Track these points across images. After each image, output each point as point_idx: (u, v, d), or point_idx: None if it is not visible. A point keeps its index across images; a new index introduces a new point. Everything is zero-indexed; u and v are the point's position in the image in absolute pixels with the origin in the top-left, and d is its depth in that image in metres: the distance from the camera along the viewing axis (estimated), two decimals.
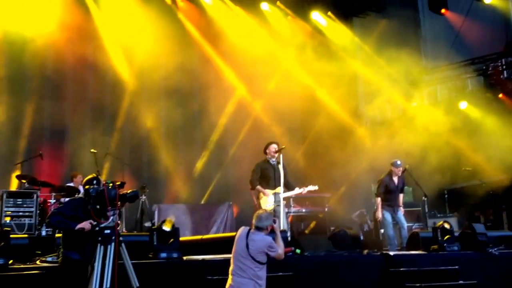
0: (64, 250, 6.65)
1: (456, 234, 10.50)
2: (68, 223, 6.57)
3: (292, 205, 12.26)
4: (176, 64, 14.49)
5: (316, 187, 10.42)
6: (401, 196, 11.70)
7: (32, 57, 13.38)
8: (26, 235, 9.44)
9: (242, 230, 7.06)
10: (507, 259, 10.04)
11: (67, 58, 13.45)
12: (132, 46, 14.33)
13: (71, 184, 12.09)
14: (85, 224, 6.49)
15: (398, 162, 11.56)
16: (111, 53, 14.38)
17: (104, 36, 14.39)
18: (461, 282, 9.24)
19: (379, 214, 11.41)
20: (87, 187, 6.74)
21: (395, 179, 11.57)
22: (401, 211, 11.53)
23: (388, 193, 11.47)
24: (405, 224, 11.51)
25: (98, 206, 6.52)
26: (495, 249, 10.12)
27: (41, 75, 13.41)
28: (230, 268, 6.89)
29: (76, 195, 10.53)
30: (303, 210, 12.67)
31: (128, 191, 6.76)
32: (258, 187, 10.21)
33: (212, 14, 16.11)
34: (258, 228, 6.94)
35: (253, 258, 6.74)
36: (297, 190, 10.29)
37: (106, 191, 6.52)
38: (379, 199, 11.45)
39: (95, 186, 6.67)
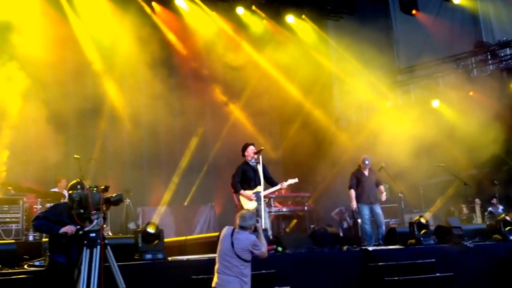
0: (50, 254, 6.72)
1: (432, 228, 10.80)
2: (52, 226, 6.64)
3: (273, 205, 12.42)
4: (154, 68, 14.63)
5: (295, 180, 10.52)
6: (381, 188, 11.89)
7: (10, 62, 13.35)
8: (13, 241, 9.47)
9: (227, 229, 7.22)
10: (481, 251, 10.36)
11: (46, 64, 13.38)
12: (111, 51, 14.38)
13: (56, 190, 12.18)
14: (69, 228, 6.57)
15: (366, 161, 11.83)
16: (91, 58, 14.44)
17: (83, 42, 14.45)
18: (438, 274, 9.50)
19: (354, 205, 11.65)
20: (70, 192, 6.87)
21: (365, 172, 11.86)
22: (379, 208, 11.73)
23: (362, 186, 11.71)
24: (383, 223, 11.73)
25: (82, 211, 6.63)
26: (470, 241, 10.45)
27: (22, 84, 13.36)
28: (216, 267, 7.02)
29: (62, 200, 10.65)
30: (284, 209, 12.84)
31: (113, 195, 6.90)
32: (242, 191, 10.25)
33: (188, 19, 16.25)
34: (242, 228, 7.11)
35: (238, 256, 6.90)
36: (278, 186, 10.40)
37: (89, 196, 6.67)
38: (352, 191, 11.70)
39: (79, 191, 6.81)
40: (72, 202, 6.67)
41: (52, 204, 6.88)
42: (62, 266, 6.65)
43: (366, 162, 11.82)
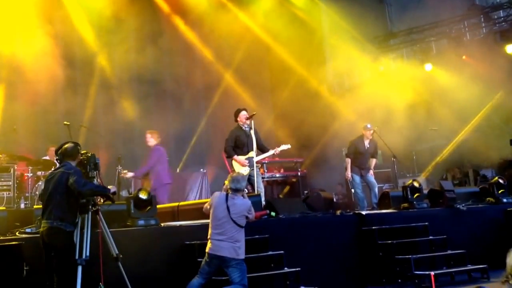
0: (72, 222, 6.48)
1: (425, 192, 10.80)
2: (103, 187, 6.68)
3: (266, 171, 12.38)
4: (145, 34, 14.47)
5: (288, 146, 10.47)
6: (373, 161, 11.90)
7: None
8: (4, 208, 9.43)
9: (219, 195, 7.20)
10: (473, 214, 10.44)
11: (35, 32, 13.21)
12: (99, 16, 14.17)
13: (47, 158, 12.08)
14: (114, 188, 6.62)
15: (368, 125, 11.79)
16: (79, 27, 14.28)
17: (70, 9, 14.24)
18: (431, 237, 9.60)
19: (348, 174, 11.65)
20: (84, 155, 6.80)
21: (366, 142, 11.79)
22: (370, 174, 11.76)
23: (358, 155, 11.70)
24: (376, 186, 11.73)
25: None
26: (463, 204, 10.48)
27: (11, 53, 13.18)
28: (209, 232, 7.06)
29: (52, 168, 10.54)
30: (277, 175, 12.83)
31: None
32: (235, 156, 10.20)
33: None
34: (236, 190, 7.11)
35: (234, 222, 6.94)
36: (271, 151, 10.36)
37: None
38: (348, 160, 11.69)
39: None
40: (94, 164, 6.73)
41: (76, 169, 6.65)
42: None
43: (368, 125, 11.76)
